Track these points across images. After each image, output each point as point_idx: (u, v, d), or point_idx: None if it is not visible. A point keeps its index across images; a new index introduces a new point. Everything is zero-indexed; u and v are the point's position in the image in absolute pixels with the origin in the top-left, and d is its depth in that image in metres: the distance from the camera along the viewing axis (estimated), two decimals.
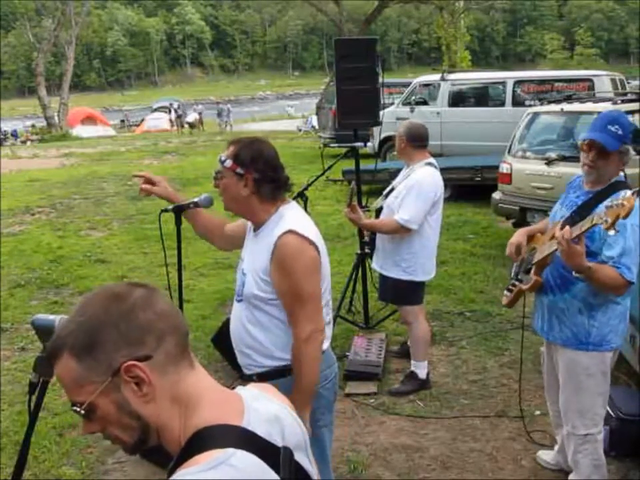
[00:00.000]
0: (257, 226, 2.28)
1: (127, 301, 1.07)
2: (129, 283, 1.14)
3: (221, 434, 1.03)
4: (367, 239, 4.70)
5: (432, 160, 4.07)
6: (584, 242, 2.41)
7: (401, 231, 3.92)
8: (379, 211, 4.31)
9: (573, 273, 2.49)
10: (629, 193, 2.28)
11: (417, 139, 4.03)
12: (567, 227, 2.41)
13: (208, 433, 1.03)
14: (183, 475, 0.97)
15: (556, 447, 3.29)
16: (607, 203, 2.28)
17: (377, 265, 4.28)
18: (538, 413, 3.80)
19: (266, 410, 1.13)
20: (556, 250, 2.56)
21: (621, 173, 2.74)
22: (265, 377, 2.16)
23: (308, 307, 2.15)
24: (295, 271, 2.13)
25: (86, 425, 1.09)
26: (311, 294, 2.16)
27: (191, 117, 31.72)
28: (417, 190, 3.88)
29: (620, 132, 2.59)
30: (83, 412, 1.06)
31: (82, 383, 1.05)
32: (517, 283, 2.92)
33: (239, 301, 2.31)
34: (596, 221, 2.25)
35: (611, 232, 2.21)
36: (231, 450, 0.99)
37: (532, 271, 2.80)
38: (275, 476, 1.04)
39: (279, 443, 1.09)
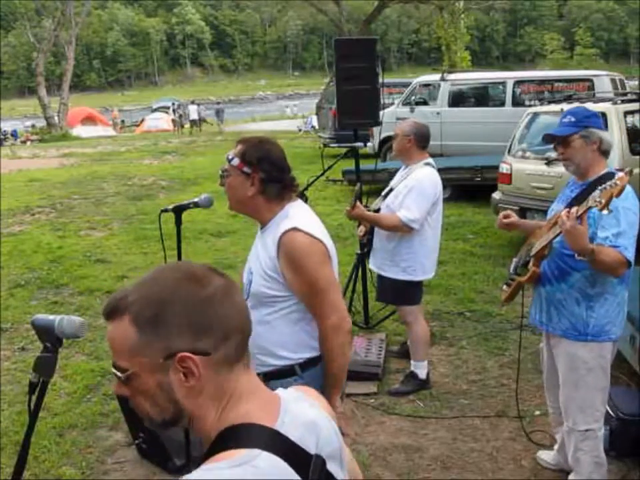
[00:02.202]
0: (263, 224, 2.28)
1: (206, 288, 1.02)
2: (209, 267, 1.08)
3: (250, 433, 1.01)
4: (364, 239, 4.65)
5: (430, 160, 4.08)
6: (586, 224, 2.44)
7: (401, 229, 3.92)
8: (376, 212, 4.30)
9: (576, 256, 2.51)
10: (621, 173, 2.35)
11: (424, 140, 4.05)
12: (573, 208, 2.45)
13: (238, 431, 1.02)
14: (208, 468, 0.97)
15: (556, 447, 3.29)
16: (600, 186, 2.34)
17: (374, 265, 4.27)
18: (538, 412, 3.80)
19: (304, 414, 1.11)
20: (555, 237, 2.61)
21: (620, 173, 2.76)
22: (269, 376, 2.15)
23: (328, 297, 2.14)
24: (305, 264, 2.11)
25: (118, 386, 1.07)
26: (328, 283, 2.15)
27: (193, 113, 31.44)
28: (417, 189, 3.89)
29: (572, 119, 2.76)
30: (122, 377, 1.03)
31: (134, 353, 1.01)
32: (515, 276, 2.95)
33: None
34: (591, 204, 2.32)
35: (605, 212, 2.28)
36: (257, 451, 0.98)
37: (530, 263, 2.82)
38: None
39: (311, 449, 1.06)
